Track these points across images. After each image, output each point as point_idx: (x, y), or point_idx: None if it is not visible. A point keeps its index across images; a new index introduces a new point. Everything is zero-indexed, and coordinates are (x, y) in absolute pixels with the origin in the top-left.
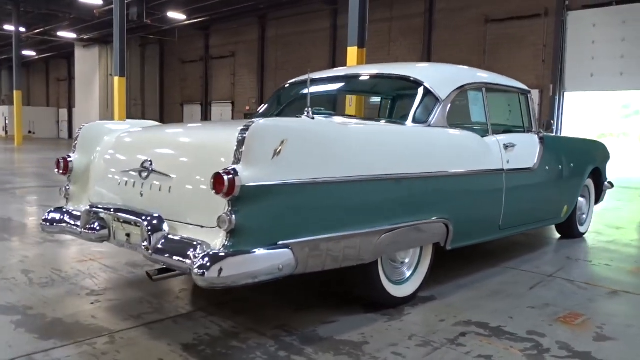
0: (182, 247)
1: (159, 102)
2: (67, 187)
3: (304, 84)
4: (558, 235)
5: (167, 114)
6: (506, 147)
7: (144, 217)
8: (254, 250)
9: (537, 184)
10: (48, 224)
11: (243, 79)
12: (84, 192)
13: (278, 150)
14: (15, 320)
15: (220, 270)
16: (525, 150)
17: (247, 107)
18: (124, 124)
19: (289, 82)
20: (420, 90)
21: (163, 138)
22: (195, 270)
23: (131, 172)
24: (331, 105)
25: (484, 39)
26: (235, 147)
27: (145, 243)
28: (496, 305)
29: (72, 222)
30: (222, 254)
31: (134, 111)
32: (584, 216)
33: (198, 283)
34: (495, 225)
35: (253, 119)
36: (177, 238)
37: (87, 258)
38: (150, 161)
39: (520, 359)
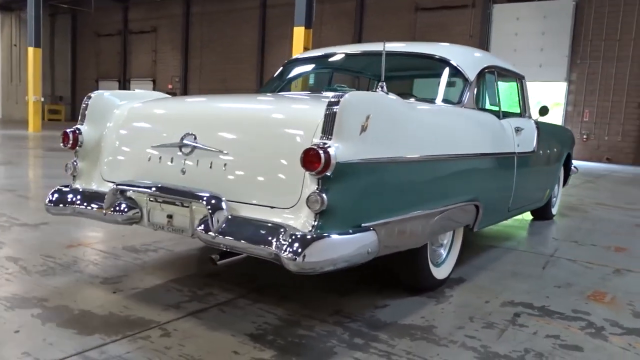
0: (259, 229)
1: (70, 78)
2: (75, 163)
3: (312, 59)
4: (528, 218)
5: (81, 91)
6: (516, 130)
7: (202, 197)
8: (345, 233)
9: (535, 167)
10: (55, 204)
11: (165, 57)
12: (94, 169)
13: (365, 126)
14: (36, 314)
15: (315, 253)
16: (528, 135)
17: (170, 86)
18: (135, 94)
19: (295, 56)
20: (449, 70)
21: (210, 110)
22: (287, 255)
23: (167, 147)
24: (348, 84)
25: (414, 26)
26: (323, 122)
27: (202, 226)
28: (524, 286)
29: (89, 203)
30: (314, 236)
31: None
32: (554, 199)
33: (289, 268)
34: (506, 207)
35: (340, 92)
36: (247, 220)
37: (75, 243)
38: (194, 135)
39: (584, 337)
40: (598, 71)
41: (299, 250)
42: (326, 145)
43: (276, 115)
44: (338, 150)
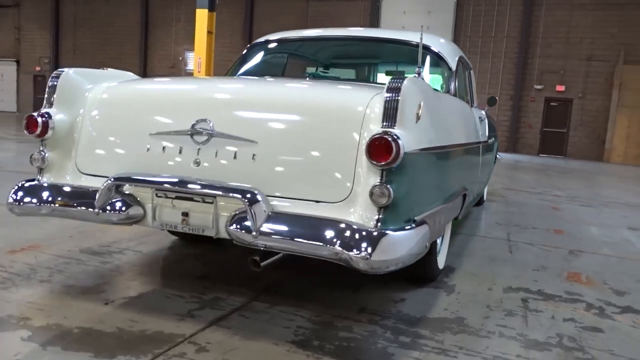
0: (313, 227)
1: None
2: (43, 153)
3: (287, 42)
4: None
5: None
6: (480, 120)
7: (238, 191)
8: (403, 227)
9: (488, 155)
10: (22, 203)
11: (32, 35)
12: (67, 160)
13: (419, 114)
14: (26, 336)
15: (385, 251)
16: (483, 124)
17: (38, 68)
18: (110, 74)
19: (265, 38)
20: (435, 59)
21: (232, 94)
22: (358, 254)
23: (174, 135)
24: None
25: (305, 15)
26: (383, 110)
27: (236, 224)
28: (508, 271)
29: (71, 200)
30: (383, 232)
31: None
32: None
33: (357, 267)
34: (473, 194)
35: (397, 79)
36: (293, 216)
37: (17, 247)
38: (209, 121)
39: (595, 318)
40: (476, 66)
41: (369, 248)
42: (394, 135)
43: (320, 102)
44: (404, 139)
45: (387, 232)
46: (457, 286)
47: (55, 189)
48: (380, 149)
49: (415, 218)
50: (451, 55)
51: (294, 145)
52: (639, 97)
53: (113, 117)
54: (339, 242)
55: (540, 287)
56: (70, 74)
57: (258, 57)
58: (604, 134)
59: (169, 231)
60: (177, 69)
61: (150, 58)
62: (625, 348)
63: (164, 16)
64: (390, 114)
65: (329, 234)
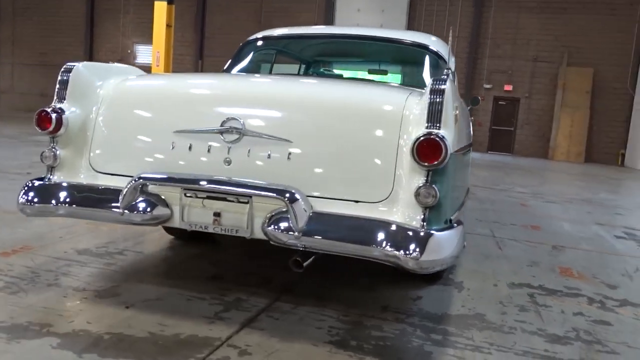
0: (358, 227)
1: None
2: (55, 151)
3: (283, 39)
4: None
5: None
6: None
7: (277, 191)
8: (448, 227)
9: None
10: (35, 203)
11: None
12: (80, 158)
13: (457, 115)
14: (55, 344)
15: (434, 251)
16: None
17: None
18: (119, 69)
19: (259, 35)
20: (435, 58)
21: (264, 92)
22: (410, 255)
23: (202, 134)
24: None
25: (260, 9)
26: (427, 111)
27: (275, 225)
28: (505, 267)
29: (92, 200)
30: (430, 232)
31: None
32: None
33: (406, 267)
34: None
35: (439, 80)
36: (336, 216)
37: (8, 249)
38: (240, 120)
39: (601, 312)
40: None
41: (419, 248)
42: (441, 136)
43: (356, 102)
44: (449, 140)
45: (433, 232)
46: (464, 283)
47: (72, 189)
48: (428, 149)
49: (451, 218)
50: (448, 54)
51: (330, 145)
52: (581, 97)
53: (131, 113)
54: (387, 242)
55: (540, 282)
56: (81, 68)
57: (256, 55)
58: (549, 132)
59: (166, 229)
60: (125, 62)
61: (96, 51)
62: (638, 340)
63: (112, 7)
64: (435, 115)
65: (376, 234)
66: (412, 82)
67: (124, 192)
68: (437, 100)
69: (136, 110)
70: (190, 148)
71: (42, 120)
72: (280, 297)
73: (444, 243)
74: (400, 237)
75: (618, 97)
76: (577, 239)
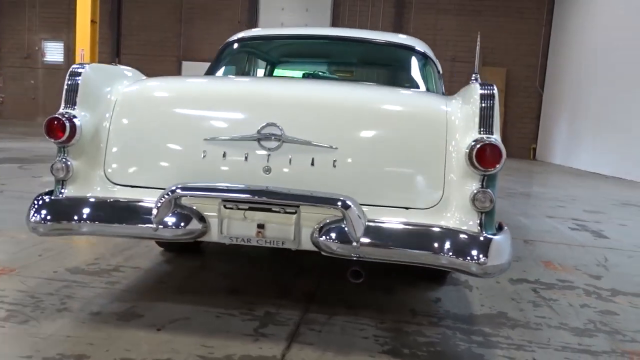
0: (418, 235)
1: None
2: (67, 162)
3: (267, 40)
4: None
5: None
6: None
7: (333, 200)
8: (502, 231)
9: None
10: (50, 221)
11: None
12: (93, 169)
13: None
14: None
15: (497, 256)
16: None
17: None
18: (128, 71)
19: (241, 34)
20: (425, 60)
21: (305, 97)
22: (476, 261)
23: (237, 141)
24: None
25: (180, 7)
26: (479, 117)
27: (328, 235)
28: None
29: (118, 216)
30: (491, 237)
31: None
32: None
33: (471, 272)
34: None
35: (487, 85)
36: (392, 225)
37: None
38: (278, 126)
39: (602, 303)
40: None
41: (483, 253)
42: (496, 141)
43: (401, 107)
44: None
45: (492, 236)
46: (470, 281)
47: (94, 203)
48: (489, 155)
49: (499, 222)
50: (433, 55)
51: (377, 151)
52: None
53: (153, 120)
54: (450, 249)
55: (534, 277)
56: (90, 71)
57: (243, 56)
58: None
59: (158, 242)
60: (32, 60)
61: None
62: None
63: (15, 1)
64: (487, 120)
65: (438, 241)
66: (407, 83)
67: (158, 206)
68: (489, 105)
69: (158, 117)
70: (224, 156)
71: (55, 128)
72: (309, 308)
73: (503, 247)
74: (463, 243)
75: (529, 95)
76: (539, 233)
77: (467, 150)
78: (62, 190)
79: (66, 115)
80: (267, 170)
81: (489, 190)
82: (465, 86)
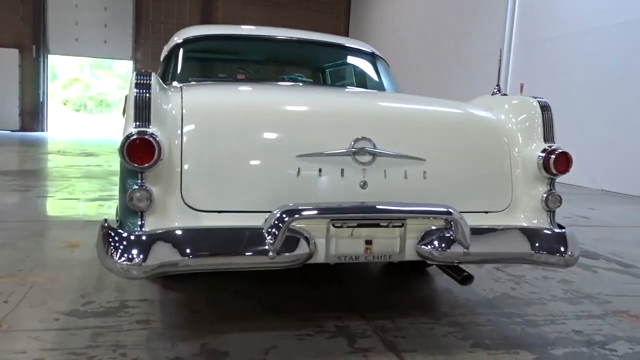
0: (513, 235)
1: None
2: (148, 189)
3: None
4: None
5: None
6: None
7: (440, 211)
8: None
9: None
10: (146, 261)
11: None
12: (169, 195)
13: None
14: None
15: (575, 248)
16: None
17: None
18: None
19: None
20: (386, 65)
21: (391, 111)
22: (564, 255)
23: (331, 156)
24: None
25: None
26: (542, 126)
27: (434, 244)
28: None
29: (226, 247)
30: (565, 233)
31: None
32: None
33: (560, 265)
34: None
35: (538, 97)
36: (487, 228)
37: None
38: (372, 140)
39: (551, 272)
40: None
41: (566, 247)
42: (556, 148)
43: (472, 118)
44: None
45: (566, 231)
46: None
47: (195, 235)
48: (562, 162)
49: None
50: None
51: (458, 161)
52: None
53: (233, 135)
54: (541, 246)
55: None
56: (155, 80)
57: (189, 56)
58: None
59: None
60: None
61: None
62: (612, 287)
63: None
64: (548, 129)
65: (530, 239)
66: (375, 86)
67: (277, 232)
68: (549, 116)
69: (240, 133)
70: (320, 173)
71: (142, 151)
72: (365, 316)
73: (575, 240)
74: (549, 239)
75: None
76: None
77: (541, 158)
78: (142, 223)
79: (150, 134)
80: (364, 185)
81: (554, 191)
82: (506, 96)
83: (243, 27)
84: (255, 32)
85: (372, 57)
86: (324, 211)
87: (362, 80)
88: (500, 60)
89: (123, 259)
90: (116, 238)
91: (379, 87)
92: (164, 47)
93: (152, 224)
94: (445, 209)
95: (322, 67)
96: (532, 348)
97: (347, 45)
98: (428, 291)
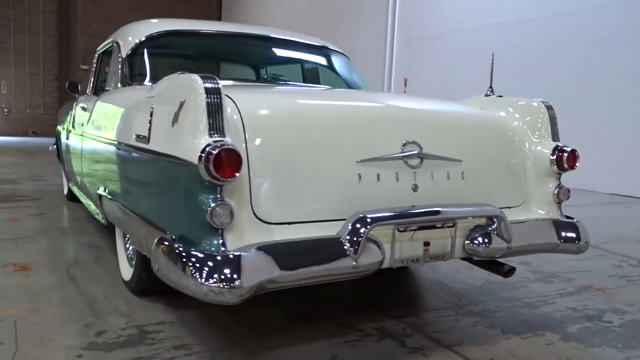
0: (544, 227)
1: None
2: (225, 202)
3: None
4: None
5: None
6: None
7: (487, 211)
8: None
9: None
10: (241, 281)
11: None
12: (241, 209)
13: None
14: None
15: (587, 236)
16: None
17: None
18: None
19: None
20: (348, 61)
21: (434, 115)
22: (583, 242)
23: (386, 161)
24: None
25: None
26: (550, 125)
27: (478, 240)
28: None
29: (314, 259)
30: (578, 222)
31: None
32: None
33: (579, 251)
34: None
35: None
36: (520, 222)
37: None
38: (418, 144)
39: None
40: (10, 41)
41: (581, 235)
42: (564, 146)
43: (493, 120)
44: None
45: (577, 221)
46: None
47: (281, 249)
48: (572, 160)
49: None
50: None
51: (487, 160)
52: None
53: (294, 144)
54: (565, 235)
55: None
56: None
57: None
58: None
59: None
60: None
61: None
62: (564, 265)
63: None
64: (555, 129)
65: (556, 230)
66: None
67: (360, 241)
68: (554, 116)
69: (301, 141)
70: (378, 178)
71: (227, 163)
72: (389, 313)
73: (585, 228)
74: (568, 229)
75: None
76: None
77: (555, 156)
78: (222, 241)
79: (230, 146)
80: (415, 187)
81: (563, 185)
82: (504, 97)
83: (206, 22)
84: (222, 28)
85: (344, 57)
86: (398, 217)
87: (336, 79)
88: (492, 63)
89: (212, 280)
90: (208, 264)
91: (356, 85)
92: (103, 47)
93: (232, 240)
94: (493, 209)
95: (294, 66)
96: (550, 328)
97: (318, 44)
98: (426, 282)
